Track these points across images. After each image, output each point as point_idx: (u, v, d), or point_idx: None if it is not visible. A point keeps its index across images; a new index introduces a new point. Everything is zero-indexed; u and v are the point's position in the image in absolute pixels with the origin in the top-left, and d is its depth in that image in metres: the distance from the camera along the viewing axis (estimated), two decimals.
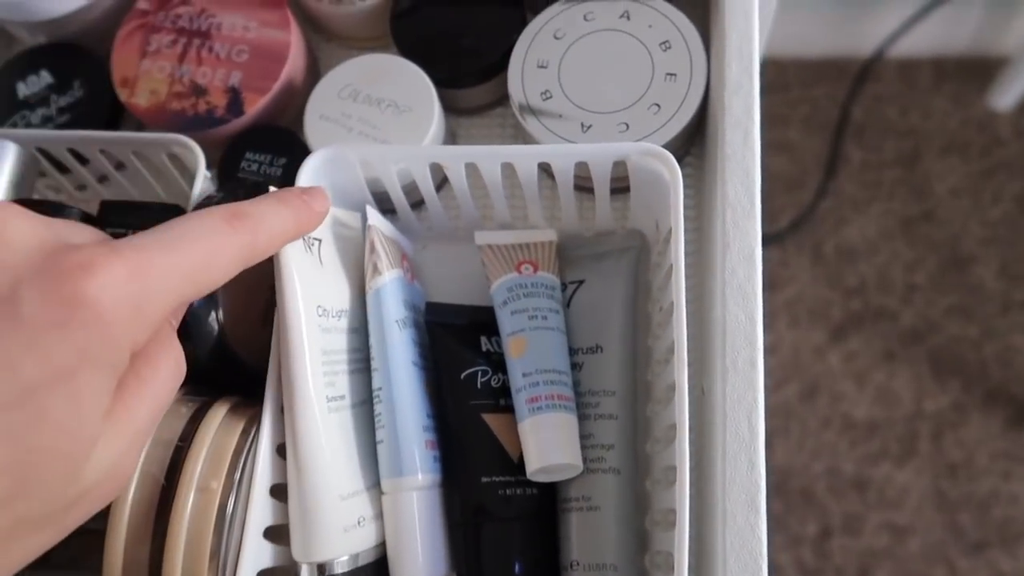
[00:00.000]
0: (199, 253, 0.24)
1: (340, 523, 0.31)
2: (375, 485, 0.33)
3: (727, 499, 0.28)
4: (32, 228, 0.22)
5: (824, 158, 1.16)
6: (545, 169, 0.37)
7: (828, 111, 1.18)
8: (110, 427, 0.22)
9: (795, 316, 1.10)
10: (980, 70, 1.16)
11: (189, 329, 0.32)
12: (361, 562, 0.31)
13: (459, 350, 0.35)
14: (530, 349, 0.34)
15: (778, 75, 1.21)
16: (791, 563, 1.00)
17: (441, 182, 0.40)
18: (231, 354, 0.33)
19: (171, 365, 0.25)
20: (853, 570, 1.00)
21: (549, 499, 0.34)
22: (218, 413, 0.31)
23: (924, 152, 1.15)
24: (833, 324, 1.10)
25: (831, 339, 1.09)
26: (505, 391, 0.35)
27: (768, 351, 1.10)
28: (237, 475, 0.30)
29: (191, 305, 0.31)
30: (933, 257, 1.11)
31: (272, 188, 0.34)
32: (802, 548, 1.01)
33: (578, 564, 0.32)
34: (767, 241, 1.14)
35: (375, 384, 0.33)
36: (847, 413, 1.06)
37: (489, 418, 0.34)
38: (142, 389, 0.23)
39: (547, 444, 0.32)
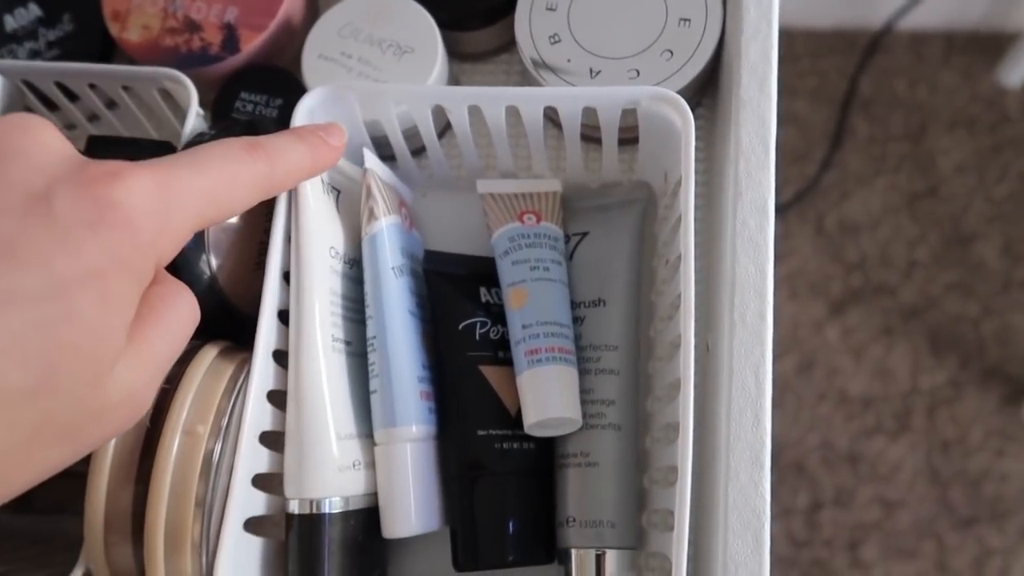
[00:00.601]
0: (222, 177, 0.25)
1: (336, 462, 0.30)
2: (372, 433, 0.32)
3: (731, 455, 0.27)
4: (63, 140, 0.23)
5: (830, 131, 1.14)
6: (551, 117, 0.35)
7: (836, 83, 1.16)
8: (132, 349, 0.22)
9: (795, 289, 1.09)
10: (991, 45, 1.15)
11: (180, 272, 0.31)
12: (352, 507, 0.31)
13: (457, 300, 0.34)
14: (531, 300, 0.33)
15: (787, 46, 1.19)
16: (781, 534, 1.00)
17: (443, 129, 0.39)
18: (223, 298, 0.32)
19: (186, 307, 0.25)
20: (842, 542, 1.00)
21: (547, 454, 0.33)
22: (206, 356, 0.30)
23: (931, 127, 1.13)
24: (833, 298, 1.09)
25: (830, 313, 1.08)
26: (504, 343, 0.34)
27: None
28: (225, 420, 0.29)
29: (183, 249, 0.30)
30: (936, 233, 1.10)
31: (268, 127, 0.32)
32: (792, 519, 1.01)
33: (574, 520, 0.32)
34: None
35: (369, 332, 0.32)
36: (843, 387, 1.06)
37: (487, 370, 0.33)
38: (160, 323, 0.23)
39: (546, 397, 0.31)
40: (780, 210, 1.12)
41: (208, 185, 0.24)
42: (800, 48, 1.19)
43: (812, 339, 1.08)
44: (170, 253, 0.24)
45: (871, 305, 1.08)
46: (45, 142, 0.22)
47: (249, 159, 0.25)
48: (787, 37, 1.19)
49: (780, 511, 1.01)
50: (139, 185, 0.22)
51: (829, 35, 1.18)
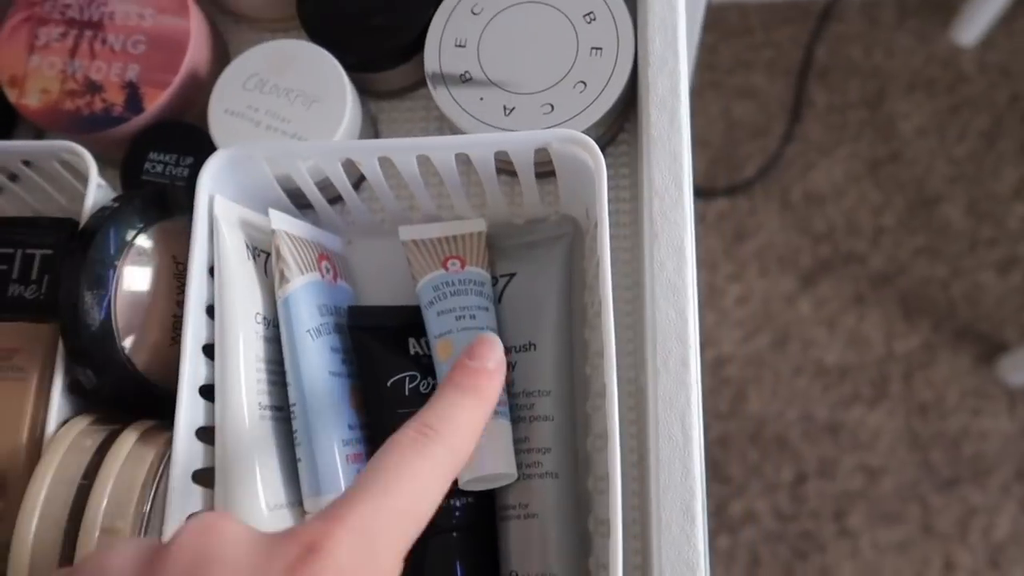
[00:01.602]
0: (413, 489, 0.23)
1: None
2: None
3: (661, 508, 0.27)
4: (244, 525, 0.22)
5: (789, 103, 1.14)
6: (465, 160, 0.34)
7: (792, 54, 1.15)
8: None
9: (764, 265, 1.09)
10: (943, 5, 1.14)
11: (91, 356, 0.30)
12: None
13: (384, 356, 0.33)
14: (456, 352, 0.32)
15: (741, 19, 1.18)
16: (767, 510, 1.01)
17: (360, 177, 0.38)
18: (138, 376, 0.31)
19: None
20: (828, 513, 1.01)
21: (489, 506, 0.33)
22: (125, 443, 0.30)
23: (889, 92, 1.13)
24: (803, 271, 1.09)
25: (801, 286, 1.08)
26: None
27: (738, 301, 1.09)
28: (147, 507, 0.29)
29: (90, 331, 0.30)
30: (900, 198, 1.09)
31: (178, 194, 0.31)
32: (778, 494, 1.02)
33: (517, 574, 0.31)
34: (734, 190, 1.12)
35: (290, 399, 0.31)
36: (819, 359, 1.06)
37: None
38: None
39: (478, 453, 0.31)
40: (746, 186, 1.11)
41: (403, 505, 0.23)
42: (754, 20, 1.18)
43: (785, 313, 1.08)
44: None
45: (841, 274, 1.08)
46: (232, 539, 0.21)
47: (427, 451, 0.24)
48: (741, 11, 1.18)
49: (765, 487, 1.02)
50: (340, 549, 0.20)
51: (782, 5, 1.17)
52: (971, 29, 1.11)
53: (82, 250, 0.29)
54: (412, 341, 0.34)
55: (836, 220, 1.10)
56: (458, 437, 0.25)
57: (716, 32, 1.17)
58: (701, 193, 1.11)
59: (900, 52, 1.14)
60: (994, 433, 1.02)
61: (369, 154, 0.32)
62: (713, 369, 1.07)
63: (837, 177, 1.11)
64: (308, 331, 0.31)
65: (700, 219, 1.11)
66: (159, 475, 0.29)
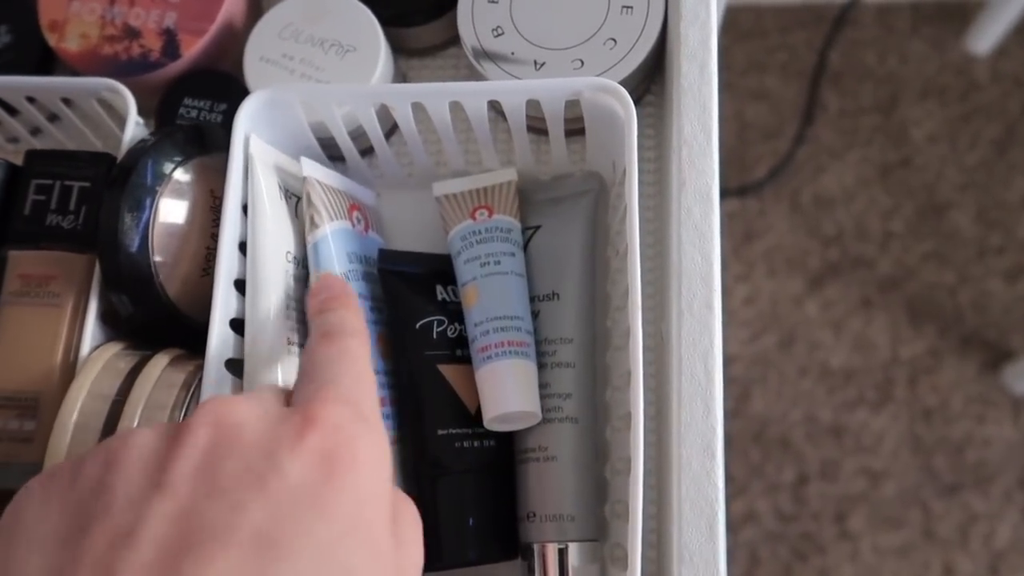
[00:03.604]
0: (353, 369, 0.25)
1: None
2: None
3: (682, 445, 0.27)
4: (249, 403, 0.23)
5: (801, 106, 1.14)
6: (498, 109, 0.35)
7: (806, 58, 1.16)
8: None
9: (773, 266, 1.10)
10: (958, 13, 1.15)
11: (127, 281, 0.30)
12: None
13: (412, 299, 0.34)
14: (481, 297, 0.33)
15: (756, 21, 1.19)
16: (769, 510, 1.01)
17: (391, 128, 0.39)
18: (171, 307, 0.32)
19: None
20: (829, 515, 1.01)
21: (507, 450, 0.33)
22: (156, 367, 0.30)
23: (902, 98, 1.14)
24: (811, 273, 1.09)
25: (809, 288, 1.09)
26: (463, 341, 0.33)
27: (746, 302, 1.10)
28: None
29: (128, 254, 0.30)
30: (910, 203, 1.10)
31: (214, 130, 0.32)
32: (780, 495, 1.02)
33: (535, 515, 0.32)
34: (745, 191, 1.12)
35: None
36: (824, 361, 1.06)
37: (445, 369, 0.33)
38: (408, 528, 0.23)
39: (501, 392, 0.31)
40: (756, 188, 1.12)
41: (359, 380, 0.25)
42: (769, 23, 1.19)
43: (792, 315, 1.08)
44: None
45: (849, 278, 1.09)
46: (243, 416, 0.22)
47: (342, 343, 0.26)
48: (755, 13, 1.18)
49: (767, 487, 1.02)
50: (336, 413, 0.22)
51: (797, 9, 1.18)
52: (985, 38, 1.12)
53: (123, 176, 0.30)
54: (440, 288, 0.35)
55: (845, 224, 1.10)
56: (350, 327, 0.27)
57: (730, 34, 1.18)
58: None
59: (914, 59, 1.15)
60: (997, 440, 1.02)
61: (403, 99, 0.33)
62: None
63: (847, 181, 1.12)
64: (338, 275, 0.32)
65: None
66: (188, 400, 0.30)
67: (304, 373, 0.25)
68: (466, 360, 0.33)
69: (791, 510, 1.01)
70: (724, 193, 1.12)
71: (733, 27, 1.18)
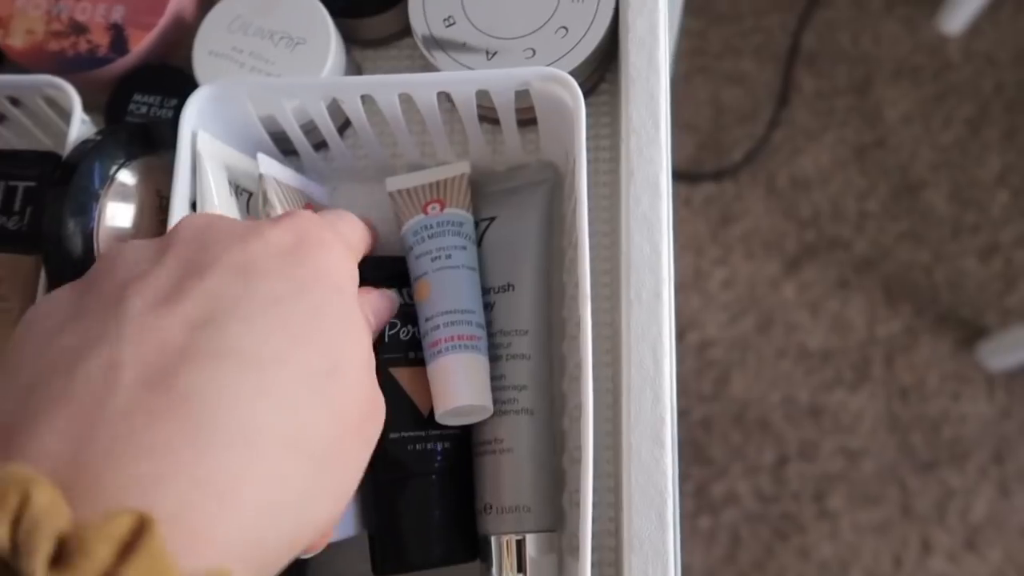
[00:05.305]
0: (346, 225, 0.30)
1: None
2: None
3: (632, 434, 0.27)
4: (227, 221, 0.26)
5: (776, 88, 1.14)
6: (450, 100, 0.35)
7: (781, 40, 1.16)
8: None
9: (750, 249, 1.10)
10: None
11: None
12: None
13: None
14: (433, 292, 0.32)
15: (731, 5, 1.19)
16: (749, 491, 1.02)
17: (344, 122, 0.38)
18: None
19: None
20: (809, 494, 1.02)
21: (465, 450, 0.33)
22: None
23: (876, 78, 1.14)
24: (788, 255, 1.10)
25: (786, 270, 1.09)
26: (416, 343, 0.33)
27: (724, 285, 1.10)
28: None
29: (72, 259, 0.30)
30: (885, 184, 1.10)
31: (161, 128, 0.31)
32: (760, 476, 1.03)
33: (492, 507, 0.32)
34: (721, 175, 1.13)
35: None
36: (802, 343, 1.07)
37: (398, 372, 0.33)
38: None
39: (452, 386, 0.31)
40: (732, 171, 1.12)
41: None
42: (744, 6, 1.19)
43: (769, 297, 1.09)
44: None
45: (826, 259, 1.09)
46: (225, 218, 0.26)
47: (324, 220, 0.28)
48: None
49: (747, 469, 1.03)
50: (316, 224, 0.26)
51: None
52: (957, 17, 1.12)
53: (66, 179, 0.29)
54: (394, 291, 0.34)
55: (821, 205, 1.11)
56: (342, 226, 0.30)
57: (705, 17, 1.18)
58: (688, 177, 1.12)
59: (887, 39, 1.15)
60: (973, 417, 1.03)
61: (351, 91, 0.32)
62: (697, 352, 1.07)
63: (823, 162, 1.12)
64: None
65: (686, 203, 1.12)
66: None
67: None
68: (419, 362, 0.33)
69: (771, 491, 1.02)
70: (700, 177, 1.12)
71: (708, 10, 1.18)
